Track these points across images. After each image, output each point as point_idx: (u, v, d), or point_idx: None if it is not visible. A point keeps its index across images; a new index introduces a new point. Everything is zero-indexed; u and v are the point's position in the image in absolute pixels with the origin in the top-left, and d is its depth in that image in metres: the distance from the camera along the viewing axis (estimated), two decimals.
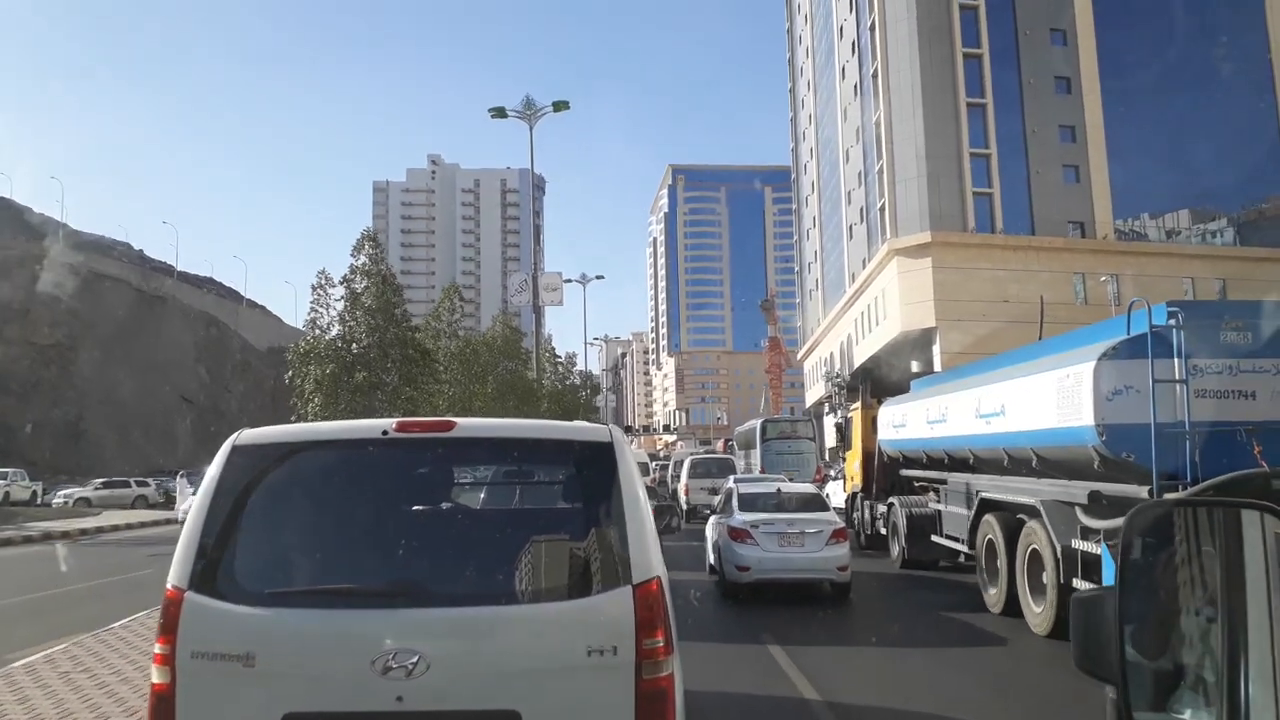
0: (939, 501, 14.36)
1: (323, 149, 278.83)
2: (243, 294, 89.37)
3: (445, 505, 4.16)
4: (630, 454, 3.73)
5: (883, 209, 51.23)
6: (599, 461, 3.58)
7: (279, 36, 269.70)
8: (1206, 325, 8.55)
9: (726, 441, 57.82)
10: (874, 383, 19.37)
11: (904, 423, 15.53)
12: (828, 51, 66.35)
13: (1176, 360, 8.30)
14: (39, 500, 37.93)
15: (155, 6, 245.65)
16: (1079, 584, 9.00)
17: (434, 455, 3.83)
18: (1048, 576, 9.62)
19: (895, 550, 15.94)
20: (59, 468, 53.75)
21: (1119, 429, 8.44)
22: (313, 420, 20.85)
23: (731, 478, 18.82)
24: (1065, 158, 50.31)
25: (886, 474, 16.98)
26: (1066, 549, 9.25)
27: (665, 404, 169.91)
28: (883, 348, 50.24)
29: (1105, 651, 1.52)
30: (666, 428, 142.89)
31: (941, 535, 14.00)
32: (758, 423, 35.71)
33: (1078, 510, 9.21)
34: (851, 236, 59.63)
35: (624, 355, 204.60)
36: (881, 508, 17.13)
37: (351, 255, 26.15)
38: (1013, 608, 10.58)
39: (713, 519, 14.40)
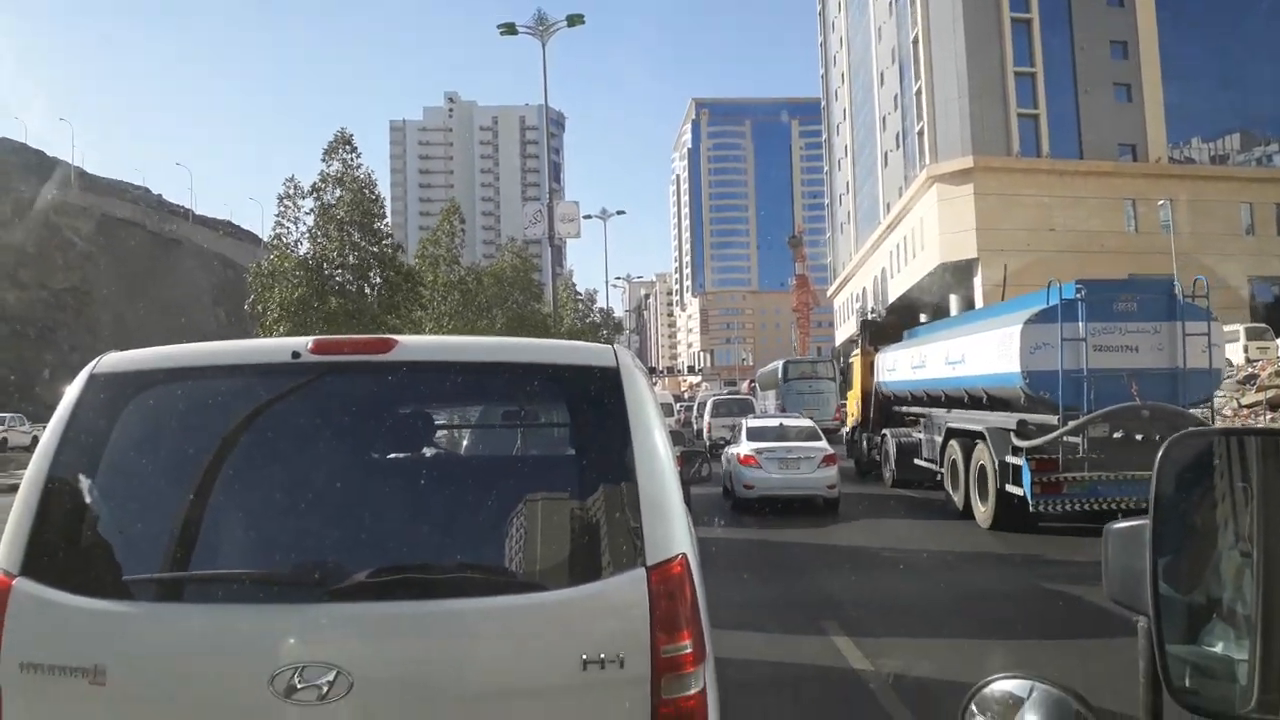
0: (920, 432, 17.39)
1: (340, 88, 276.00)
2: (260, 236, 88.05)
3: (379, 457, 3.05)
4: (644, 383, 2.81)
5: (921, 133, 48.66)
6: (601, 393, 2.66)
7: None
8: (1104, 298, 11.82)
9: (750, 383, 57.58)
10: (873, 332, 22.12)
11: (895, 367, 18.57)
12: None
13: (1080, 324, 11.56)
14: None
15: None
16: (1010, 488, 12.06)
17: (366, 386, 2.80)
18: (990, 484, 12.71)
19: (887, 474, 18.87)
20: None
21: (1038, 374, 11.74)
22: None
23: (750, 416, 21.37)
24: (1116, 75, 47.33)
25: (881, 410, 19.80)
26: (1002, 463, 12.27)
27: (690, 345, 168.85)
28: (920, 281, 48.10)
29: (1138, 584, 1.57)
30: (691, 369, 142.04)
31: (922, 459, 16.91)
32: (780, 364, 37.42)
33: (1011, 434, 12.25)
34: (887, 164, 57.14)
35: (647, 296, 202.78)
36: (877, 439, 19.95)
37: (323, 160, 22.67)
38: (967, 510, 13.72)
39: (727, 449, 17.09)
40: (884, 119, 57.61)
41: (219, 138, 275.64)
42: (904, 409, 18.56)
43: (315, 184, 22.63)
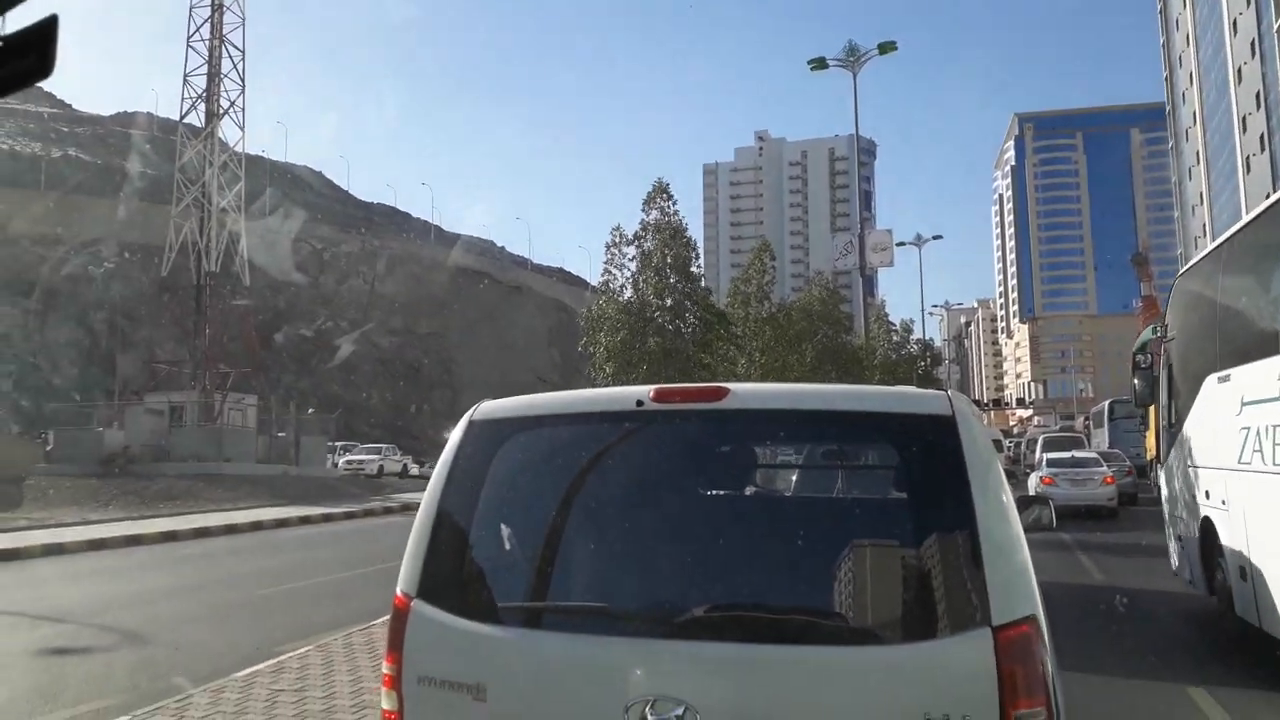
0: None
1: (659, 136, 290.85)
2: (588, 280, 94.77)
3: (715, 498, 3.20)
4: (981, 430, 2.77)
5: None
6: (935, 443, 2.62)
7: (611, 31, 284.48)
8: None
9: (1085, 419, 53.72)
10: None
11: None
12: None
13: None
14: (408, 473, 41.77)
15: (509, 23, 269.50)
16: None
17: (702, 432, 2.97)
18: None
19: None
20: (440, 445, 59.90)
21: None
22: None
23: (1074, 451, 25.18)
24: None
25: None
26: None
27: (1018, 375, 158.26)
28: None
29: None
30: (1020, 401, 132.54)
31: None
32: (1106, 404, 40.85)
33: None
34: (1249, 170, 50.52)
35: (968, 324, 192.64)
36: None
37: (643, 210, 23.89)
38: None
39: (1031, 474, 23.42)
40: (1244, 119, 51.05)
41: (551, 189, 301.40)
42: None
43: (636, 232, 24.10)
